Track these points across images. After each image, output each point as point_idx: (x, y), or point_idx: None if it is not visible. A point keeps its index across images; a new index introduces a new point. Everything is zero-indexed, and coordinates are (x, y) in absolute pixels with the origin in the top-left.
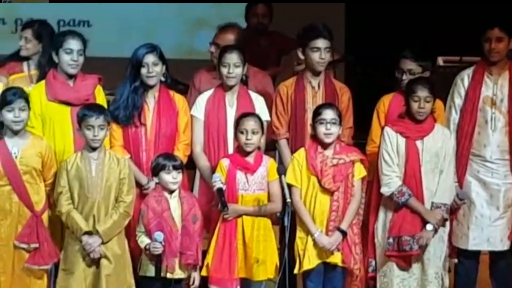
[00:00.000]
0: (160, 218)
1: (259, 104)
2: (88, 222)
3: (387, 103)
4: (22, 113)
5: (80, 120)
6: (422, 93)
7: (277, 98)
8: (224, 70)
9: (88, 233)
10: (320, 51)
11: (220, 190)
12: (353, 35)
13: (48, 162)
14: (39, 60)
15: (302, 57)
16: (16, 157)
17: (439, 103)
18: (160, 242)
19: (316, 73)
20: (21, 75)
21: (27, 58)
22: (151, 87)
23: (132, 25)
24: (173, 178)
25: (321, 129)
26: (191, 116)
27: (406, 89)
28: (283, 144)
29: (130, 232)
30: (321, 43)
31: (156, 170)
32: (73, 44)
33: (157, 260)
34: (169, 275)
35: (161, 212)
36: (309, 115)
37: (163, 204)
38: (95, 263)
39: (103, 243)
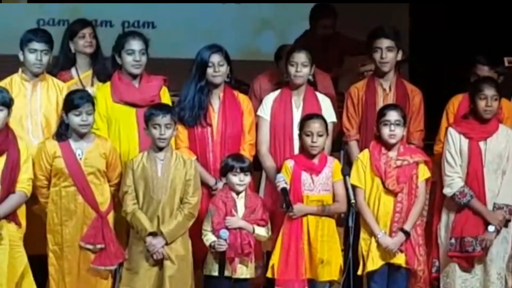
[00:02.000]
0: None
1: (326, 105)
2: (153, 222)
3: (456, 103)
4: (89, 117)
5: (147, 119)
6: (489, 91)
7: (348, 100)
8: (292, 69)
9: (152, 234)
10: (382, 51)
11: (284, 189)
12: (418, 35)
13: (112, 163)
14: (93, 64)
15: (370, 59)
16: (80, 158)
17: (508, 104)
18: (225, 240)
19: (381, 74)
20: (72, 81)
21: (73, 64)
22: (216, 87)
23: (196, 26)
24: (240, 180)
25: (385, 130)
26: (257, 116)
27: (473, 88)
28: (354, 145)
29: (196, 232)
30: (382, 42)
31: (224, 171)
32: (135, 44)
33: (221, 258)
34: (234, 275)
35: (227, 213)
36: None
37: (230, 205)
38: (158, 263)
39: (166, 244)
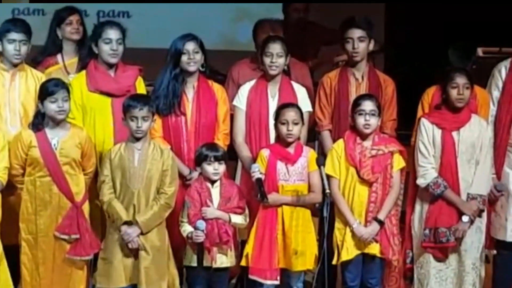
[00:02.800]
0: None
1: (301, 95)
2: (129, 212)
3: (431, 94)
4: (65, 103)
5: (125, 111)
6: (461, 80)
7: (321, 90)
8: (267, 60)
9: (128, 223)
10: (353, 41)
11: (259, 180)
12: (393, 26)
13: (87, 152)
14: (79, 51)
15: (342, 49)
16: (56, 148)
17: (483, 93)
18: (202, 230)
19: (354, 64)
20: (56, 67)
21: (60, 50)
22: (191, 75)
23: (172, 16)
24: (214, 169)
25: (360, 120)
26: (234, 106)
27: (445, 78)
28: (326, 135)
29: (174, 222)
30: (353, 32)
31: (198, 160)
32: (112, 33)
33: (199, 249)
34: (214, 265)
35: (203, 203)
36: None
37: (205, 195)
38: (134, 254)
39: (142, 234)
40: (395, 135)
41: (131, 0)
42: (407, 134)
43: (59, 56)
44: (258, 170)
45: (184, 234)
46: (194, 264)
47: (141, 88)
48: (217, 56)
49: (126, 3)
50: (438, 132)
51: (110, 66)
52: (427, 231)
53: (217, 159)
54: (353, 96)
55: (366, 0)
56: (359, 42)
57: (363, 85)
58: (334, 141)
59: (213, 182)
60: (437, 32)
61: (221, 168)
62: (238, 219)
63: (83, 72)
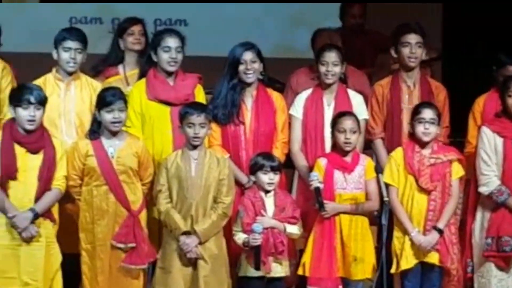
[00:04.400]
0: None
1: (357, 103)
2: (186, 222)
3: (481, 103)
4: (122, 114)
5: (182, 118)
6: None
7: (373, 98)
8: (323, 68)
9: (186, 233)
10: (411, 46)
11: (317, 189)
12: (451, 33)
13: (144, 162)
14: (138, 60)
15: (394, 55)
16: (112, 157)
17: None
18: (259, 233)
19: (409, 70)
20: (117, 77)
21: (121, 61)
22: (249, 85)
23: (229, 24)
24: (269, 179)
25: (420, 128)
26: (290, 115)
27: (502, 87)
28: (379, 143)
29: (229, 232)
30: (411, 38)
31: (254, 169)
32: (171, 42)
33: (257, 253)
34: (268, 275)
35: (257, 212)
36: (404, 115)
37: (259, 204)
38: (192, 263)
39: (200, 243)
40: (448, 142)
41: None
42: (455, 142)
43: (120, 67)
44: (316, 179)
45: (240, 242)
46: (249, 274)
47: (200, 96)
48: (274, 64)
49: (183, 11)
50: (499, 141)
51: (169, 74)
52: (489, 240)
53: (273, 169)
54: (405, 103)
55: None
56: (417, 48)
57: (415, 92)
58: (387, 149)
59: (267, 191)
60: (498, 34)
61: (276, 178)
62: (293, 229)
63: (143, 80)
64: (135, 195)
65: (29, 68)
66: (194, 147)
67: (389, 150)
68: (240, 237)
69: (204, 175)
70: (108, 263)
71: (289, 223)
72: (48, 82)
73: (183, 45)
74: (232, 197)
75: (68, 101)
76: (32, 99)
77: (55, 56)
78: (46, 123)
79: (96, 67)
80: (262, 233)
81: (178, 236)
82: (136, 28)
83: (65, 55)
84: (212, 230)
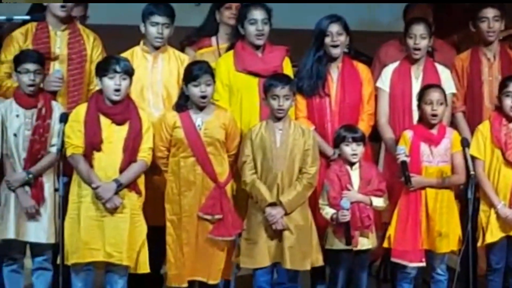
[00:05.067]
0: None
1: (445, 77)
2: (272, 192)
3: None
4: (208, 87)
5: (266, 90)
6: None
7: (453, 72)
8: (411, 42)
9: (272, 204)
10: (488, 21)
11: (404, 163)
12: None
13: (231, 133)
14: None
15: (473, 29)
16: (200, 129)
17: None
18: (347, 209)
19: (488, 44)
20: (210, 49)
21: (215, 33)
22: (335, 57)
23: None
24: (352, 150)
25: (507, 102)
26: (377, 87)
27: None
28: (460, 117)
29: (314, 204)
30: (488, 12)
31: (337, 142)
32: (257, 14)
33: (346, 228)
34: (355, 248)
35: (342, 186)
36: (485, 87)
37: (345, 178)
38: (278, 234)
39: (286, 214)
40: None
41: None
42: None
43: (213, 39)
44: (403, 153)
45: (327, 217)
46: (336, 246)
47: (288, 68)
48: (359, 37)
49: None
50: None
51: (257, 47)
52: None
53: (355, 140)
54: (485, 76)
55: None
56: (494, 22)
57: (495, 65)
58: (468, 122)
59: (352, 164)
60: None
61: (359, 149)
62: (379, 202)
63: (230, 52)
64: (222, 166)
65: (117, 40)
66: (279, 118)
67: (469, 124)
68: (327, 212)
69: (288, 146)
70: (195, 234)
71: (375, 195)
72: (136, 55)
73: (269, 17)
74: (317, 167)
75: (155, 73)
76: (118, 69)
77: (142, 29)
78: (133, 95)
79: (190, 37)
80: (350, 209)
81: (264, 207)
82: (234, 3)
83: (152, 30)
84: (298, 201)
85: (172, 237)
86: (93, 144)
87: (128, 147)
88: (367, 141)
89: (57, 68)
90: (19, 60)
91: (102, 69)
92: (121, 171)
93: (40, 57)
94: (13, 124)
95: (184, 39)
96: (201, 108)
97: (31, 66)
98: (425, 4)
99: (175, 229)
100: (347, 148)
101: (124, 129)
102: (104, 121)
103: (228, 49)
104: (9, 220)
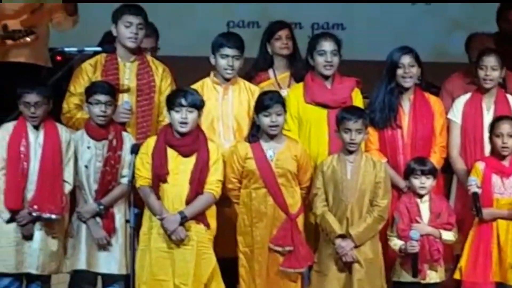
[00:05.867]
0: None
1: None
2: (342, 225)
3: None
4: (279, 117)
5: (339, 123)
6: None
7: None
8: (482, 73)
9: (342, 236)
10: None
11: (475, 194)
12: None
13: (303, 165)
14: (291, 65)
15: None
16: (271, 160)
17: None
18: (417, 240)
19: None
20: (268, 82)
21: (271, 65)
22: (406, 89)
23: (386, 27)
24: (421, 183)
25: None
26: (448, 119)
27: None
28: None
29: (384, 236)
30: None
31: (407, 174)
32: (326, 45)
33: (414, 260)
34: (424, 281)
35: (412, 218)
36: None
37: (414, 210)
38: (347, 266)
39: (355, 246)
40: None
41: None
42: None
43: (270, 71)
44: (475, 184)
45: (396, 248)
46: (404, 279)
47: (358, 100)
48: (429, 68)
49: (340, 15)
50: None
51: (326, 77)
52: None
53: (423, 173)
54: None
55: None
56: None
57: None
58: None
59: (421, 196)
60: None
61: (428, 182)
62: (448, 236)
63: (300, 84)
64: (294, 198)
65: (187, 71)
66: (350, 152)
67: None
68: (396, 243)
69: (359, 178)
70: (266, 266)
71: (445, 229)
72: (206, 86)
73: (339, 48)
74: (388, 200)
75: (225, 105)
76: (184, 102)
77: (212, 61)
78: (204, 127)
79: (248, 73)
80: (419, 240)
81: (334, 239)
82: (283, 33)
83: (222, 62)
84: (368, 234)
85: (245, 269)
86: (159, 175)
87: (194, 179)
88: (439, 173)
89: (126, 100)
90: (90, 91)
91: (170, 102)
92: (188, 203)
93: (112, 89)
94: (84, 156)
95: (243, 76)
96: (272, 138)
97: (102, 98)
98: (486, 35)
99: (248, 261)
100: (416, 180)
101: (191, 161)
102: (171, 153)
103: (295, 80)
104: (80, 251)
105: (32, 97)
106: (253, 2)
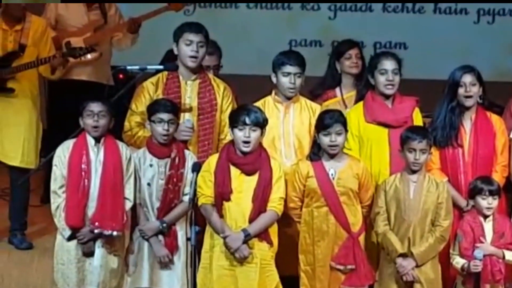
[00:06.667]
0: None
1: None
2: (403, 244)
3: None
4: (338, 137)
5: (403, 142)
6: None
7: None
8: None
9: (403, 255)
10: None
11: None
12: None
13: (365, 183)
14: (357, 84)
15: None
16: (333, 178)
17: None
18: (480, 260)
19: None
20: (334, 100)
21: (338, 83)
22: (468, 108)
23: (448, 46)
24: (488, 203)
25: None
26: (510, 139)
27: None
28: None
29: (444, 256)
30: None
31: (473, 193)
32: (387, 64)
33: (476, 279)
34: None
35: (475, 237)
36: None
37: (478, 229)
38: (408, 286)
39: (417, 266)
40: None
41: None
42: None
43: (337, 90)
44: None
45: (458, 266)
46: None
47: (418, 119)
48: (491, 87)
49: (403, 34)
50: None
51: (387, 97)
52: None
53: (491, 193)
54: None
55: None
56: None
57: None
58: None
59: (485, 216)
60: None
61: (494, 202)
62: (511, 256)
63: (361, 103)
64: (355, 217)
65: (249, 90)
66: (414, 171)
67: None
68: (458, 262)
69: (422, 198)
70: (327, 284)
71: (508, 249)
72: (268, 105)
73: (400, 67)
74: (450, 220)
75: (287, 123)
76: (247, 121)
77: (274, 79)
78: (265, 145)
79: (314, 90)
80: (482, 260)
81: (395, 258)
82: (353, 52)
83: (284, 80)
84: (429, 253)
85: (306, 287)
86: (222, 194)
87: (257, 197)
88: (502, 193)
89: (187, 118)
90: (153, 109)
91: (233, 120)
92: (251, 221)
93: (174, 107)
94: (146, 174)
95: (308, 93)
96: (332, 157)
97: (165, 116)
98: None
99: (309, 280)
100: (483, 201)
101: (254, 179)
102: (234, 171)
103: (357, 99)
104: (143, 268)
105: (95, 106)
106: (316, 21)
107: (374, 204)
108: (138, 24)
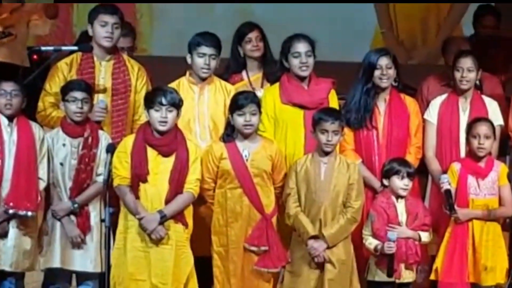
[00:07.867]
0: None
1: (492, 109)
2: (315, 225)
3: None
4: (253, 117)
5: (315, 123)
6: None
7: None
8: (458, 74)
9: (314, 237)
10: None
11: (448, 191)
12: None
13: (278, 165)
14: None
15: None
16: (247, 160)
17: None
18: (394, 241)
19: None
20: (242, 83)
21: (244, 67)
22: (383, 90)
23: (358, 29)
24: (404, 184)
25: None
26: (424, 120)
27: None
28: None
29: (357, 237)
30: None
31: (388, 174)
32: (300, 47)
33: (390, 260)
34: (398, 280)
35: (389, 218)
36: None
37: (391, 210)
38: (319, 267)
39: (328, 247)
40: None
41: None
42: None
43: (244, 73)
44: (447, 181)
45: (371, 247)
46: (378, 278)
47: (333, 101)
48: (404, 69)
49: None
50: None
51: (302, 79)
52: None
53: (409, 175)
54: None
55: None
56: None
57: None
58: None
59: (398, 197)
60: None
61: (410, 184)
62: (426, 237)
63: (276, 85)
64: (269, 198)
65: (164, 71)
66: (326, 153)
67: None
68: (371, 242)
69: (333, 179)
70: (241, 266)
71: (422, 230)
72: (182, 86)
73: (313, 49)
74: (361, 202)
75: (202, 104)
76: (164, 101)
77: (189, 60)
78: (180, 127)
79: (221, 75)
80: (396, 241)
81: (306, 240)
82: (253, 35)
83: (199, 61)
84: (341, 235)
85: (219, 269)
86: (139, 175)
87: (174, 178)
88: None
89: (101, 99)
90: (67, 89)
91: (149, 101)
92: (167, 202)
93: (88, 87)
94: (59, 154)
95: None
96: (246, 137)
97: (79, 95)
98: (462, 38)
99: (222, 261)
100: (400, 182)
101: (170, 161)
102: (151, 152)
103: (270, 82)
104: (54, 249)
105: (8, 86)
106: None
107: (285, 185)
108: (56, 8)
